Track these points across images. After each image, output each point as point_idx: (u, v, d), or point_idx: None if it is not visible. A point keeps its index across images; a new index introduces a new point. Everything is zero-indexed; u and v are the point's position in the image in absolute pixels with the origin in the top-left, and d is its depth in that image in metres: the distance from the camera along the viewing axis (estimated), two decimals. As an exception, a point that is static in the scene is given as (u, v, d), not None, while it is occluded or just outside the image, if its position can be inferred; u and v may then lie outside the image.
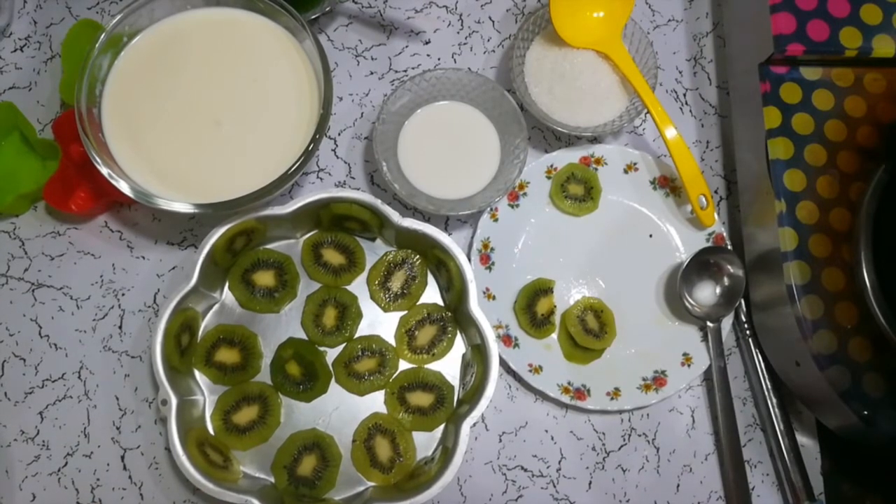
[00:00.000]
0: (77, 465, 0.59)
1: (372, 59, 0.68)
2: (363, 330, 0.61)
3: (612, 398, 0.61)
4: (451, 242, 0.58)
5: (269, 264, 0.61)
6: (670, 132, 0.62)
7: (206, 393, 0.59)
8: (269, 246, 0.62)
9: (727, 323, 0.62)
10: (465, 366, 0.61)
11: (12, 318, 0.62)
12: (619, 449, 0.62)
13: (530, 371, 0.60)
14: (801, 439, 0.62)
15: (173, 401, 0.55)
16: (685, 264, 0.62)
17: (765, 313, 0.60)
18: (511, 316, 0.62)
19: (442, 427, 0.59)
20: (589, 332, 0.61)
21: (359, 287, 0.62)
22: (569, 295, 0.63)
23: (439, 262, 0.60)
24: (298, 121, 0.58)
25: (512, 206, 0.64)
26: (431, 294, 0.62)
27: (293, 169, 0.55)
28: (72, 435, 0.60)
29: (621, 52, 0.63)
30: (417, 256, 0.62)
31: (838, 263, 0.55)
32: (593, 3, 0.64)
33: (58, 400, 0.60)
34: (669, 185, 0.65)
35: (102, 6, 0.68)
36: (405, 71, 0.68)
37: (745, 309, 0.63)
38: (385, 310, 0.62)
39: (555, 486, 0.61)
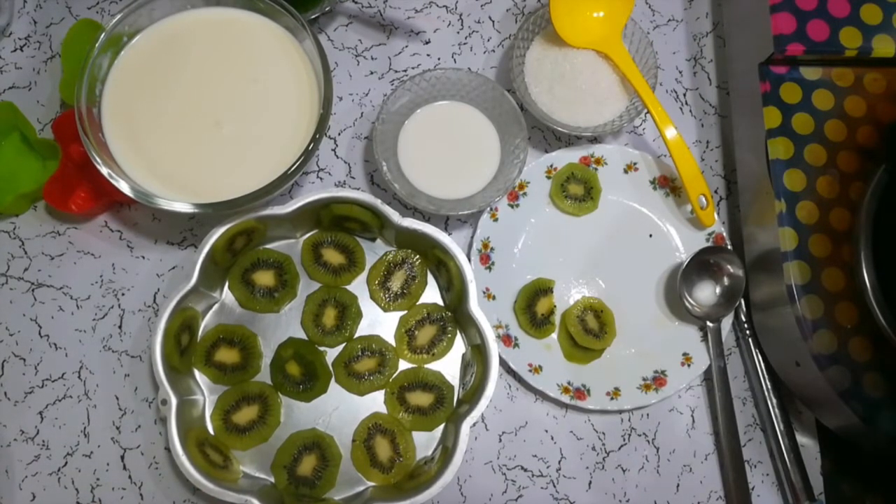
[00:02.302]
0: (77, 465, 0.59)
1: (372, 58, 0.68)
2: (363, 330, 0.61)
3: (611, 398, 0.61)
4: (451, 242, 0.58)
5: (269, 264, 0.61)
6: (670, 132, 0.62)
7: (206, 393, 0.59)
8: (269, 246, 0.62)
9: (727, 323, 0.62)
10: (465, 366, 0.61)
11: (12, 318, 0.62)
12: (619, 449, 0.62)
13: (530, 371, 0.60)
14: (801, 439, 0.62)
15: (173, 401, 0.55)
16: (685, 264, 0.62)
17: (765, 313, 0.60)
18: (511, 316, 0.62)
19: (442, 427, 0.60)
20: (589, 331, 0.61)
21: (359, 287, 0.62)
22: (569, 295, 0.63)
23: (439, 262, 0.60)
24: (298, 120, 0.58)
25: (512, 206, 0.64)
26: (431, 294, 0.62)
27: (293, 169, 0.55)
28: (72, 435, 0.60)
29: (621, 52, 0.63)
30: (417, 256, 0.62)
31: (838, 263, 0.55)
32: (593, 3, 0.64)
33: (58, 400, 0.60)
34: (669, 185, 0.65)
35: (102, 6, 0.68)
36: (405, 71, 0.68)
37: (745, 309, 0.63)
38: (385, 310, 0.62)
39: (555, 486, 0.61)
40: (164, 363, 0.55)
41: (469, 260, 0.60)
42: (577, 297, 0.63)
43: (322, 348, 0.60)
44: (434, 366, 0.61)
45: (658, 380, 0.61)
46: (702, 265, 0.62)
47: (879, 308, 0.54)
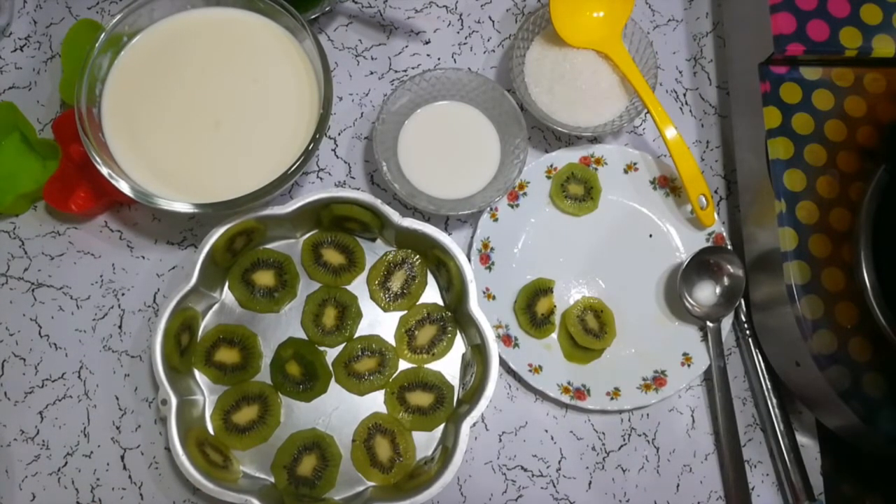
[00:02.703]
0: (77, 465, 0.59)
1: (372, 58, 0.68)
2: (363, 330, 0.61)
3: (611, 398, 0.61)
4: (451, 242, 0.58)
5: (269, 264, 0.61)
6: (670, 132, 0.62)
7: (206, 393, 0.59)
8: (269, 246, 0.62)
9: (727, 323, 0.62)
10: (465, 366, 0.61)
11: (12, 318, 0.62)
12: (619, 449, 0.62)
13: (530, 371, 0.60)
14: (801, 439, 0.62)
15: (173, 400, 0.55)
16: (685, 264, 0.62)
17: (765, 313, 0.60)
18: (511, 316, 0.62)
19: (442, 427, 0.60)
20: (589, 331, 0.61)
21: (359, 287, 0.62)
22: (569, 295, 0.63)
23: (439, 262, 0.60)
24: (298, 120, 0.58)
25: (512, 206, 0.64)
26: (431, 294, 0.62)
27: (293, 169, 0.55)
28: (72, 435, 0.60)
29: (621, 52, 0.63)
30: (417, 256, 0.62)
31: (838, 263, 0.55)
32: (593, 3, 0.64)
33: (58, 399, 0.60)
34: (669, 185, 0.65)
35: (102, 6, 0.68)
36: (405, 71, 0.68)
37: (744, 309, 0.63)
38: (385, 310, 0.62)
39: (555, 486, 0.61)
40: (164, 363, 0.55)
41: (469, 260, 0.60)
42: (577, 297, 0.63)
43: (322, 348, 0.60)
44: (434, 366, 0.61)
45: (658, 380, 0.61)
46: (702, 265, 0.62)
47: (879, 308, 0.54)
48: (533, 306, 0.62)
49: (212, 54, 0.59)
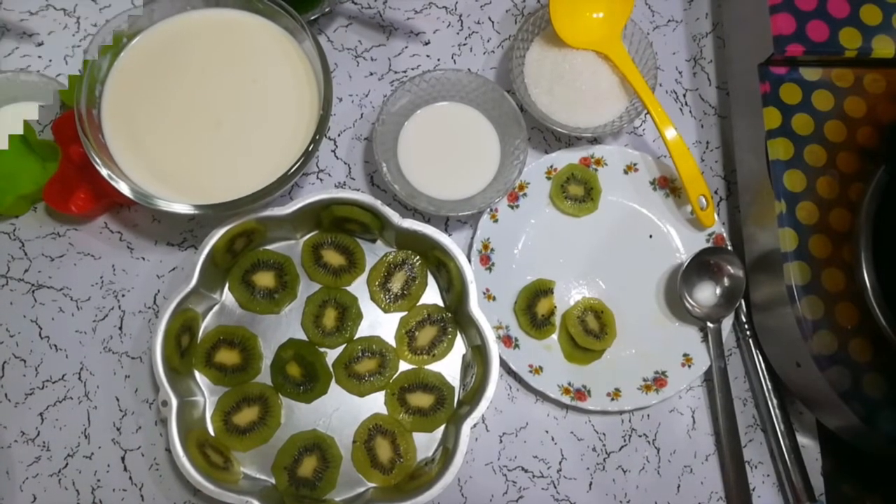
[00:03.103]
0: (77, 467, 0.59)
1: (372, 59, 0.68)
2: (363, 331, 0.61)
3: (612, 399, 0.61)
4: (451, 243, 0.58)
5: (270, 265, 0.61)
6: (670, 133, 0.62)
7: (207, 394, 0.59)
8: (269, 247, 0.62)
9: (727, 323, 0.62)
10: (466, 367, 0.61)
11: (12, 320, 0.62)
12: (620, 450, 0.62)
13: (531, 372, 0.60)
14: (802, 440, 0.62)
15: (173, 402, 0.55)
16: (685, 265, 0.62)
17: (765, 314, 0.60)
18: (511, 316, 0.62)
19: (442, 428, 0.59)
20: (589, 332, 0.61)
21: (359, 288, 0.62)
22: (569, 295, 0.63)
23: (439, 263, 0.60)
24: (298, 121, 0.58)
25: (512, 207, 0.64)
26: (432, 295, 0.62)
27: (293, 170, 0.55)
28: (72, 436, 0.60)
29: (621, 52, 0.63)
30: (417, 257, 0.62)
31: (838, 264, 0.55)
32: (593, 4, 0.64)
33: (58, 401, 0.60)
34: (669, 185, 0.65)
35: (102, 7, 0.68)
36: (405, 72, 0.68)
37: (745, 309, 0.63)
38: (385, 311, 0.62)
39: (555, 487, 0.61)
40: (164, 364, 0.55)
41: (469, 261, 0.60)
42: (577, 298, 0.63)
43: (322, 349, 0.60)
44: (434, 367, 0.61)
45: (658, 380, 0.61)
46: (702, 266, 0.62)
47: (879, 308, 0.54)
48: (533, 307, 0.62)
49: (211, 55, 0.59)
